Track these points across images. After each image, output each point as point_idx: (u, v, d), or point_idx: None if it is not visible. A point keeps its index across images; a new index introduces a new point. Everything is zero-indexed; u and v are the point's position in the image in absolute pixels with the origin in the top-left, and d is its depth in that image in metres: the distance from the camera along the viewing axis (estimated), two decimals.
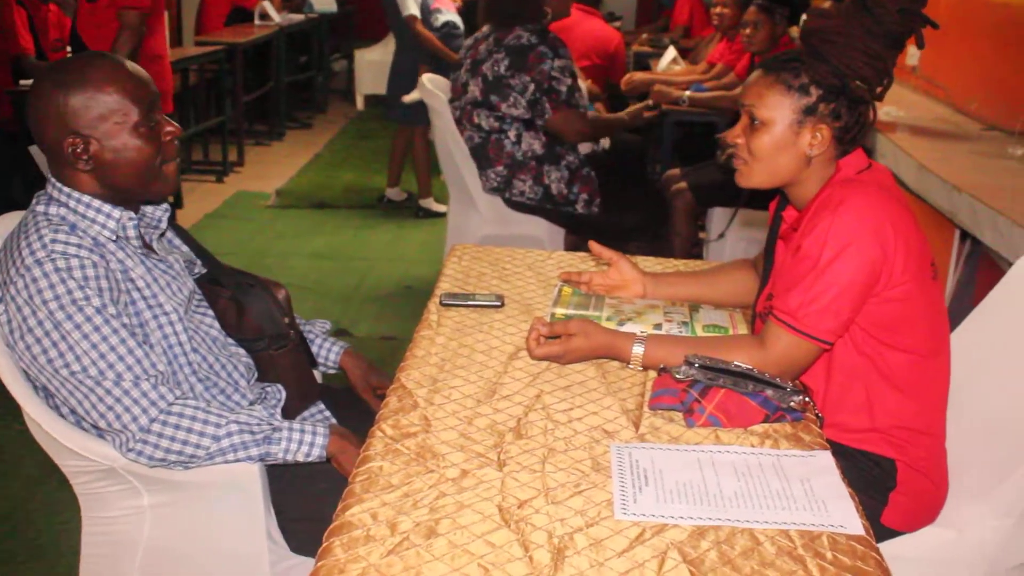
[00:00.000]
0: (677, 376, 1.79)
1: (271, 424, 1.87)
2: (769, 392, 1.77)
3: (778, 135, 1.96)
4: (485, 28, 4.08)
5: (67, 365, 1.76)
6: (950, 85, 4.75)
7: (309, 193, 6.64)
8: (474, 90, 3.95)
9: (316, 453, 1.89)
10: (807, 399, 1.81)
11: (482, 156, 4.00)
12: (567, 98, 3.87)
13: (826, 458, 1.67)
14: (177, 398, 1.81)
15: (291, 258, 5.36)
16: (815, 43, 1.94)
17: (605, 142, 4.70)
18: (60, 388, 1.79)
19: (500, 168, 3.97)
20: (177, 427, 1.78)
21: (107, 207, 1.88)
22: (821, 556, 1.40)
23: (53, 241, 1.79)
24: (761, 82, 1.98)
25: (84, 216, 1.87)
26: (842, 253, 1.83)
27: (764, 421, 1.77)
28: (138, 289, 1.89)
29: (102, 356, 1.76)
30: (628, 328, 2.05)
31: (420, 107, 5.82)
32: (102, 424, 1.78)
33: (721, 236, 4.32)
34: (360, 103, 9.64)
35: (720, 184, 4.39)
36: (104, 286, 1.80)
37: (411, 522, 1.43)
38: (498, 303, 2.25)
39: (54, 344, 1.76)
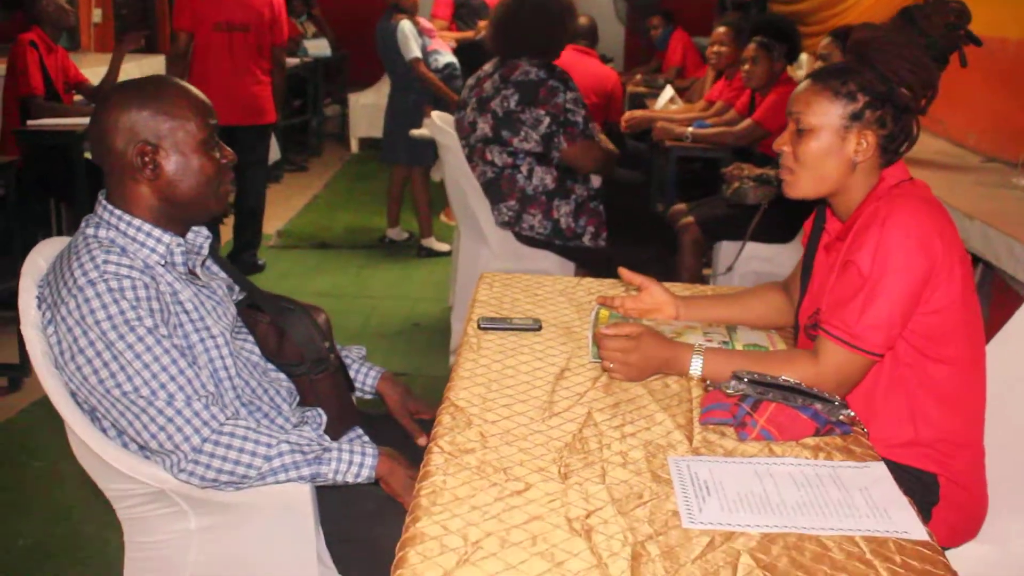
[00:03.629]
0: (728, 391, 1.81)
1: (321, 445, 1.87)
2: (818, 406, 1.80)
3: (825, 141, 1.99)
4: (488, 66, 4.12)
5: (119, 385, 1.77)
6: (946, 119, 4.83)
7: (310, 234, 6.66)
8: (483, 127, 3.98)
9: (366, 474, 1.89)
10: (853, 413, 1.83)
11: (494, 191, 4.02)
12: (583, 129, 3.91)
13: (880, 468, 1.69)
14: (228, 418, 1.81)
15: (296, 297, 5.34)
16: (862, 51, 1.99)
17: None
18: (111, 409, 1.80)
19: (512, 202, 3.99)
20: (229, 447, 1.79)
21: (156, 231, 1.91)
22: (891, 560, 1.42)
23: (105, 262, 1.81)
24: (809, 90, 2.03)
25: (134, 240, 1.89)
26: (893, 267, 1.87)
27: (815, 435, 1.79)
28: (186, 312, 1.91)
29: (154, 376, 1.77)
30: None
31: (419, 148, 5.90)
32: (153, 445, 1.78)
33: (729, 269, 4.37)
34: (354, 146, 9.70)
35: (727, 218, 4.44)
36: (155, 307, 1.82)
37: (482, 532, 1.44)
38: (536, 326, 2.27)
39: (105, 364, 1.77)
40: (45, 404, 3.74)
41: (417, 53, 5.94)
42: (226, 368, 1.96)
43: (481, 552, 1.39)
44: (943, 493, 1.99)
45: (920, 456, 1.99)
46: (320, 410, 2.11)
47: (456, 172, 4.14)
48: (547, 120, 3.86)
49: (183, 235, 1.99)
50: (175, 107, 1.90)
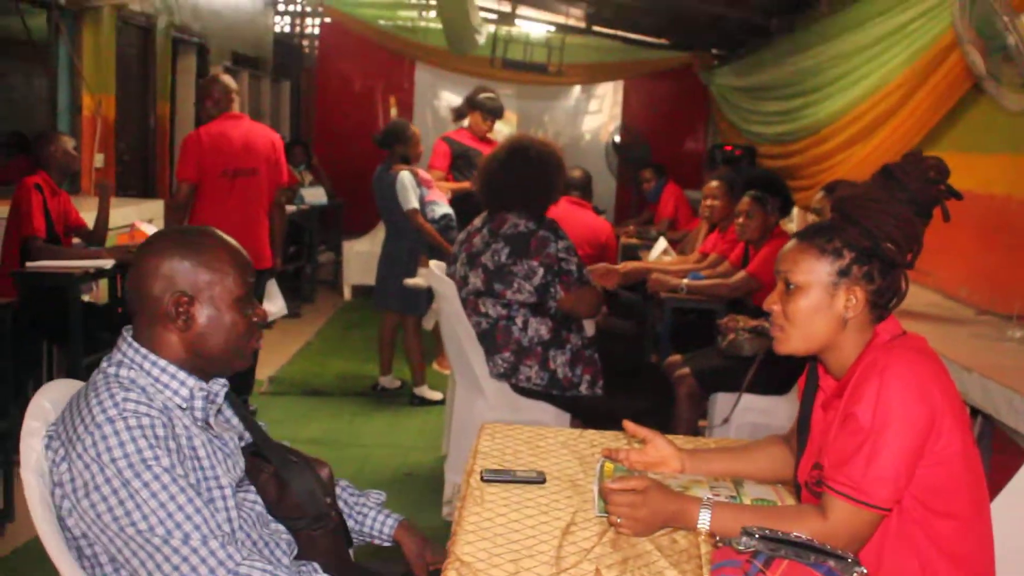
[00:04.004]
0: (739, 548, 1.78)
1: None
2: (832, 563, 1.76)
3: (814, 299, 2.02)
4: (477, 221, 4.18)
5: (134, 523, 1.74)
6: (936, 272, 4.89)
7: (302, 381, 6.64)
8: (475, 281, 4.01)
9: None
10: (866, 571, 1.80)
11: (489, 342, 4.03)
12: (578, 276, 3.95)
13: None
14: (244, 558, 1.77)
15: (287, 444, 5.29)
16: (846, 208, 2.03)
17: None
18: (123, 548, 1.76)
19: (507, 354, 4.00)
20: None
21: (182, 374, 1.91)
22: None
23: (125, 400, 1.80)
24: (795, 248, 2.06)
25: (157, 380, 1.89)
26: (894, 418, 1.87)
27: None
28: (198, 459, 1.89)
29: (170, 515, 1.74)
30: None
31: (412, 297, 5.95)
32: None
33: (725, 421, 4.33)
34: (347, 293, 9.75)
35: (723, 370, 4.44)
36: (172, 447, 1.81)
37: None
38: (540, 479, 2.25)
39: (121, 502, 1.74)
40: (28, 552, 3.69)
41: (415, 204, 6.03)
42: (230, 521, 1.92)
43: None
44: None
45: None
46: (316, 565, 2.05)
47: (452, 321, 4.15)
48: (541, 271, 3.90)
49: (206, 381, 1.99)
50: (216, 261, 1.93)
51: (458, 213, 6.21)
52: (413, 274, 5.94)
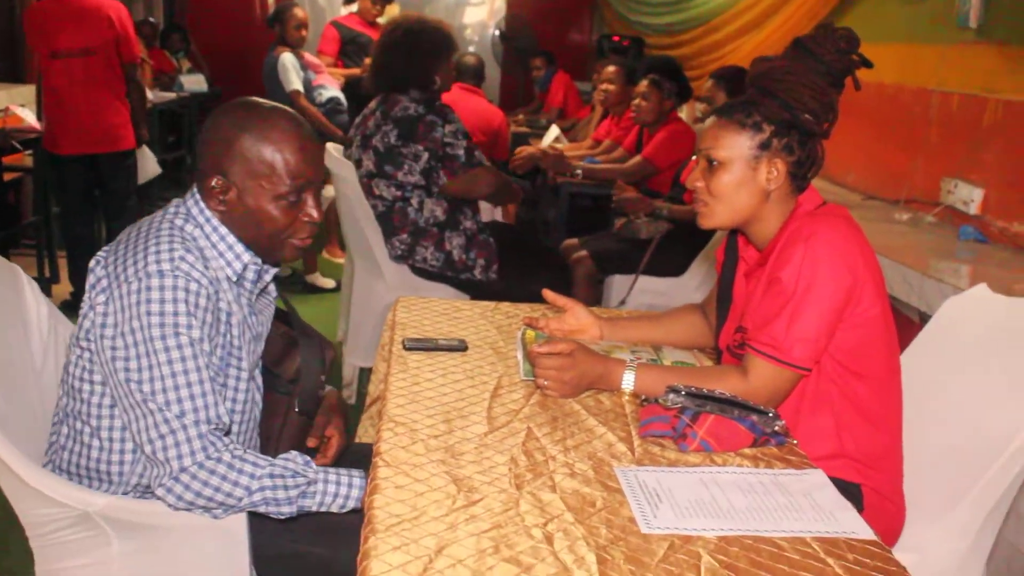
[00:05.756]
0: (666, 404, 1.84)
1: (306, 477, 1.79)
2: (755, 417, 1.83)
3: (737, 173, 2.05)
4: (372, 104, 4.12)
5: (139, 382, 1.72)
6: (825, 158, 5.01)
7: None
8: (368, 163, 3.96)
9: (351, 505, 1.82)
10: (784, 423, 1.87)
11: (387, 225, 4.00)
12: (467, 160, 3.91)
13: (819, 475, 1.74)
14: (226, 447, 1.74)
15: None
16: (763, 83, 2.06)
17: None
18: (123, 398, 1.75)
19: (404, 235, 3.98)
20: (212, 472, 1.71)
21: (239, 247, 1.88)
22: (844, 559, 1.46)
23: (182, 259, 1.76)
24: (715, 125, 2.09)
25: (215, 246, 1.86)
26: (818, 281, 1.93)
27: (752, 445, 1.83)
28: (232, 336, 1.86)
29: (176, 387, 1.72)
30: None
31: None
32: (147, 449, 1.72)
33: (622, 303, 4.42)
34: None
35: (620, 252, 4.50)
36: (208, 320, 1.78)
37: (444, 541, 1.42)
38: (462, 347, 2.26)
39: (137, 356, 1.72)
40: None
41: (297, 86, 5.90)
42: (235, 401, 1.90)
43: (446, 560, 1.37)
44: (867, 503, 2.04)
45: (845, 467, 2.04)
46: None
47: (352, 202, 4.10)
48: (426, 155, 3.86)
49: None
50: (270, 151, 1.83)
51: (349, 99, 6.10)
52: None
